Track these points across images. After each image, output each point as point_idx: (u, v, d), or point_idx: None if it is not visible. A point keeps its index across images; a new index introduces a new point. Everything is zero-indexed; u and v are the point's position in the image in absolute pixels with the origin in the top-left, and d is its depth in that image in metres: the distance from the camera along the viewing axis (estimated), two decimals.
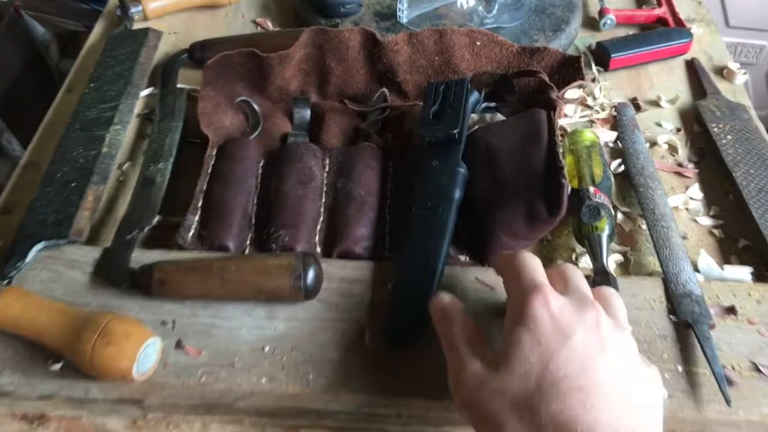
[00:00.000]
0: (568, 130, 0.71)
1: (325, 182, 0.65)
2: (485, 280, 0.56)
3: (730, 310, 0.55)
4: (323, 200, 0.64)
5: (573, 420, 0.38)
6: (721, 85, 0.79)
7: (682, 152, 0.71)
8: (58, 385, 0.51)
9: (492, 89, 0.70)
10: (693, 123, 0.74)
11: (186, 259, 0.57)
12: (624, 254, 0.62)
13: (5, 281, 0.55)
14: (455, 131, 0.61)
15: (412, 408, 0.51)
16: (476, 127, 0.67)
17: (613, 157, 0.70)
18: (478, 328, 0.48)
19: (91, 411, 0.52)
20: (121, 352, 0.48)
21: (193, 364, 0.52)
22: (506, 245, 0.58)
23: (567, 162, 0.63)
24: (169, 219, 0.63)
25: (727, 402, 0.49)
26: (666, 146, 0.72)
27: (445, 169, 0.60)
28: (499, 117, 0.68)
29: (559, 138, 0.61)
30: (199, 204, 0.63)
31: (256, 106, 0.72)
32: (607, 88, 0.78)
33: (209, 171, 0.65)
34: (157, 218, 0.62)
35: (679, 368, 0.51)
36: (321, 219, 0.63)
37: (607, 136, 0.72)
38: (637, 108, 0.76)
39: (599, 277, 0.56)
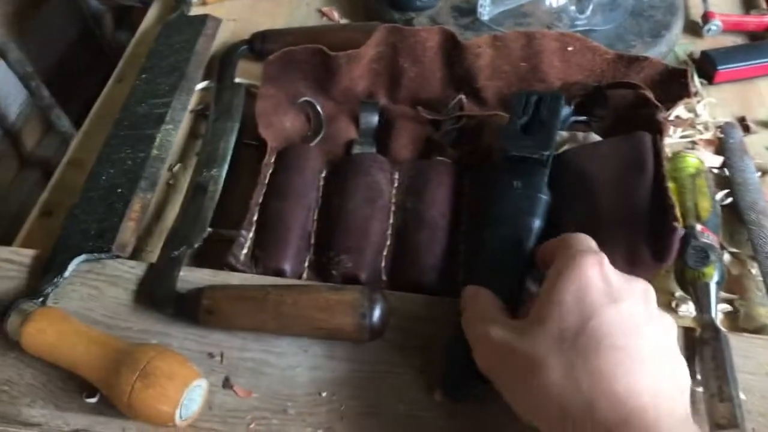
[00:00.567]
0: (668, 152, 0.63)
1: (394, 200, 0.59)
2: None
3: None
4: (391, 221, 0.58)
5: (612, 377, 0.37)
6: None
7: None
8: (92, 421, 0.47)
9: (582, 101, 0.63)
10: None
11: (238, 285, 0.51)
12: (731, 303, 0.54)
13: (40, 299, 0.50)
14: (546, 153, 0.53)
15: None
16: (566, 146, 0.60)
17: (718, 186, 0.62)
18: (504, 306, 0.45)
19: None
20: (163, 396, 0.43)
21: (242, 407, 0.47)
22: None
23: None
24: (221, 232, 0.57)
25: None
26: None
27: (527, 193, 0.52)
28: (593, 137, 0.60)
29: (666, 167, 0.53)
30: (254, 218, 0.57)
31: (319, 108, 0.65)
32: (711, 105, 0.69)
33: (266, 181, 0.59)
34: (207, 231, 0.56)
35: None
36: (388, 243, 0.56)
37: (712, 161, 0.63)
38: (746, 129, 0.67)
39: (707, 333, 0.49)
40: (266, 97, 0.65)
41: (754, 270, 0.56)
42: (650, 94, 0.59)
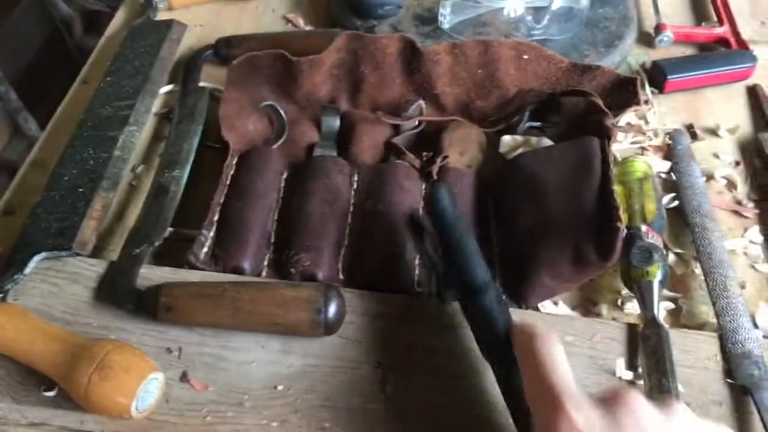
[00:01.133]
0: (618, 157, 0.65)
1: (353, 201, 0.60)
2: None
3: None
4: (349, 221, 0.59)
5: None
6: None
7: (741, 189, 0.65)
8: (50, 414, 0.47)
9: (536, 108, 0.65)
10: (754, 157, 0.68)
11: (196, 282, 0.52)
12: (675, 301, 0.56)
13: (0, 295, 0.50)
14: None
15: None
16: (520, 150, 0.62)
17: (665, 189, 0.64)
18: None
19: None
20: (119, 388, 0.44)
21: (198, 400, 0.48)
22: (548, 287, 0.53)
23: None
24: (182, 231, 0.58)
25: None
26: (724, 181, 0.66)
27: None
28: (546, 141, 0.62)
29: (613, 170, 0.55)
30: (215, 218, 0.58)
31: (282, 112, 0.67)
32: (661, 112, 0.72)
33: (228, 182, 0.60)
34: (168, 230, 0.57)
35: None
36: (346, 242, 0.58)
37: (660, 166, 0.66)
38: (693, 136, 0.70)
39: (649, 329, 0.51)
40: (230, 101, 0.66)
41: (697, 270, 0.58)
42: (600, 101, 0.61)
